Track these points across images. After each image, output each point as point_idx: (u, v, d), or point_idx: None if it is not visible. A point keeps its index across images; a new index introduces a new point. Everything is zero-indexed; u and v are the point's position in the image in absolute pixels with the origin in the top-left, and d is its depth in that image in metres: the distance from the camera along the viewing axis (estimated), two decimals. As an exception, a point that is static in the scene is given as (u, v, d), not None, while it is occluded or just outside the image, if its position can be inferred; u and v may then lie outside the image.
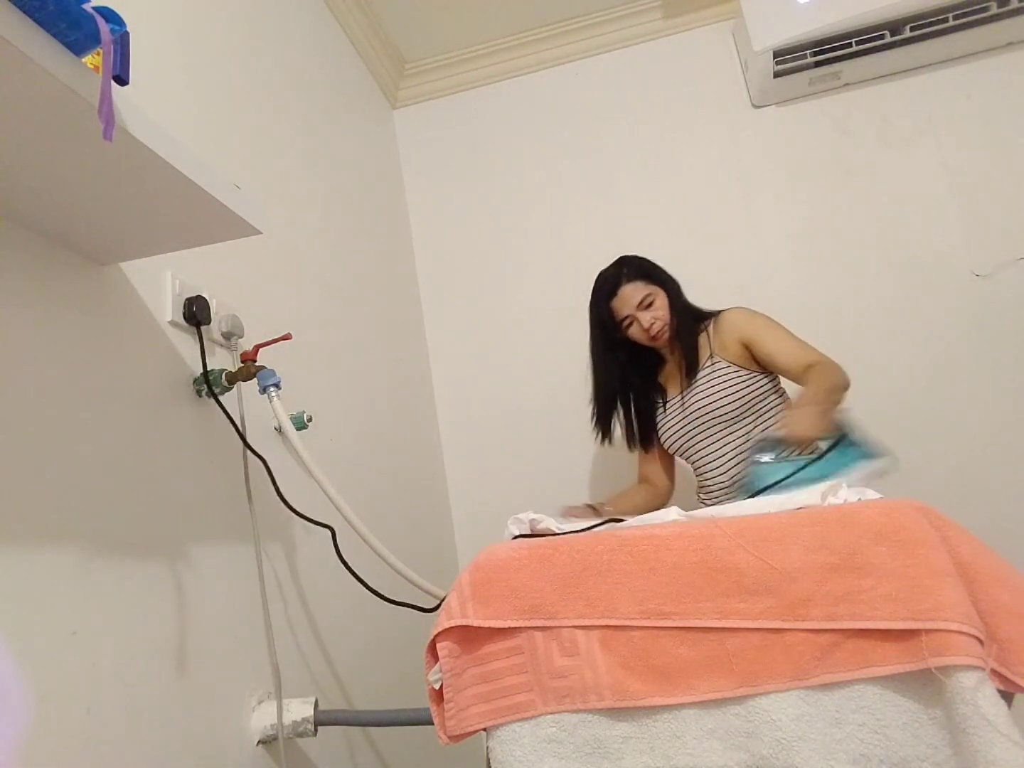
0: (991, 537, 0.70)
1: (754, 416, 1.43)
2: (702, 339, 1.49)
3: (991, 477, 1.82)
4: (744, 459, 1.39)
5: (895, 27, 1.91)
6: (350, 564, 1.06)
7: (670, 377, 1.56)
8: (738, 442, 1.43)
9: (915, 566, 0.64)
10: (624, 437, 1.61)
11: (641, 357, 1.56)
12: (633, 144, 2.23)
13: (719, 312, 1.51)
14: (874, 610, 0.64)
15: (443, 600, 1.02)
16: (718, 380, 1.43)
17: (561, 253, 2.21)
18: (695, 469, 1.53)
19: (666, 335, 1.48)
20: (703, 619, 0.68)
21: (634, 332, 1.49)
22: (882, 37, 1.92)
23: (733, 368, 1.43)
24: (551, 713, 0.70)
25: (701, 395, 1.45)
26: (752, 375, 1.43)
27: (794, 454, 1.13)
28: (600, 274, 1.55)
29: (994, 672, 0.60)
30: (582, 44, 2.32)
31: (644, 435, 1.59)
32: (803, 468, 1.07)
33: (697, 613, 0.68)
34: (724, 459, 1.44)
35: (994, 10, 1.86)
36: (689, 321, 1.49)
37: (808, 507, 0.79)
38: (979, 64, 2.01)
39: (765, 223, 2.08)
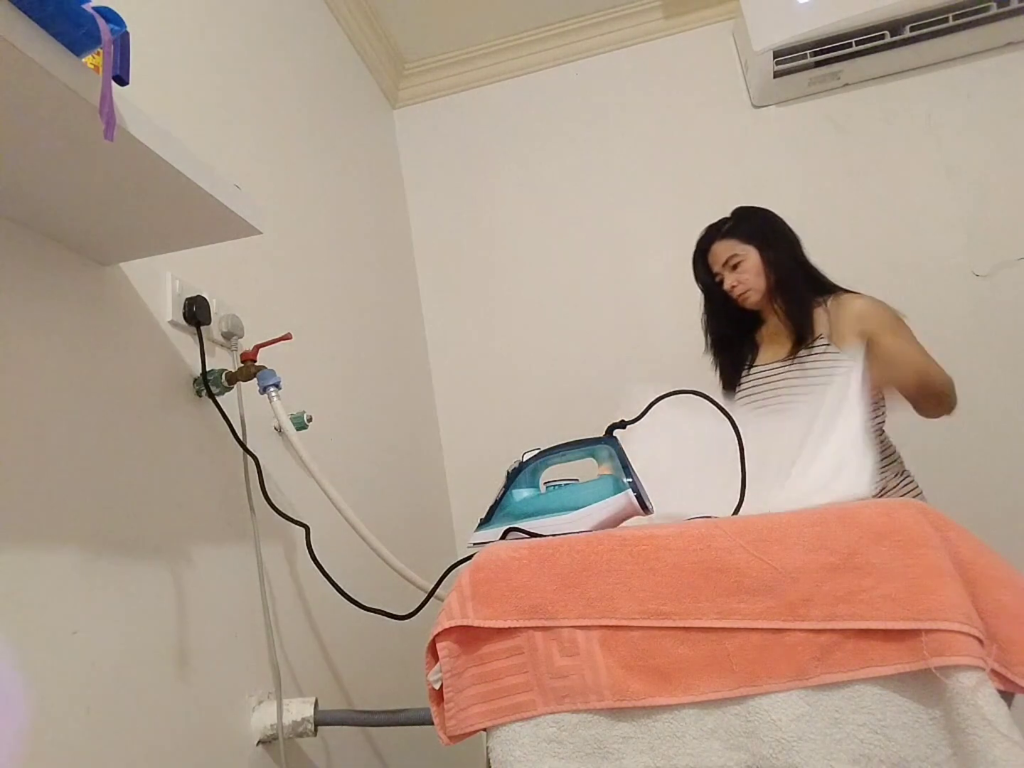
0: (991, 537, 0.70)
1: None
2: (819, 313, 1.38)
3: (991, 477, 1.82)
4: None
5: (895, 27, 1.91)
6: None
7: (769, 339, 1.48)
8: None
9: (915, 566, 0.64)
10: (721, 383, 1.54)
11: (744, 311, 1.48)
12: (633, 144, 2.23)
13: (842, 291, 1.41)
14: (874, 610, 0.64)
15: (418, 609, 1.02)
16: (819, 363, 1.34)
17: (560, 252, 2.21)
18: None
19: (751, 299, 1.42)
20: (703, 619, 0.68)
21: (726, 289, 1.45)
22: (882, 37, 1.93)
23: (841, 357, 1.32)
24: (551, 713, 0.70)
25: (795, 372, 1.36)
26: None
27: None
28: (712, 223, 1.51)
29: (994, 672, 0.60)
30: (582, 44, 2.32)
31: (733, 381, 1.50)
32: (554, 493, 0.89)
33: (697, 613, 0.68)
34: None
35: (994, 10, 1.86)
36: (795, 287, 1.39)
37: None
38: (979, 64, 2.01)
39: (765, 223, 2.08)
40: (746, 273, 1.40)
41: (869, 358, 1.28)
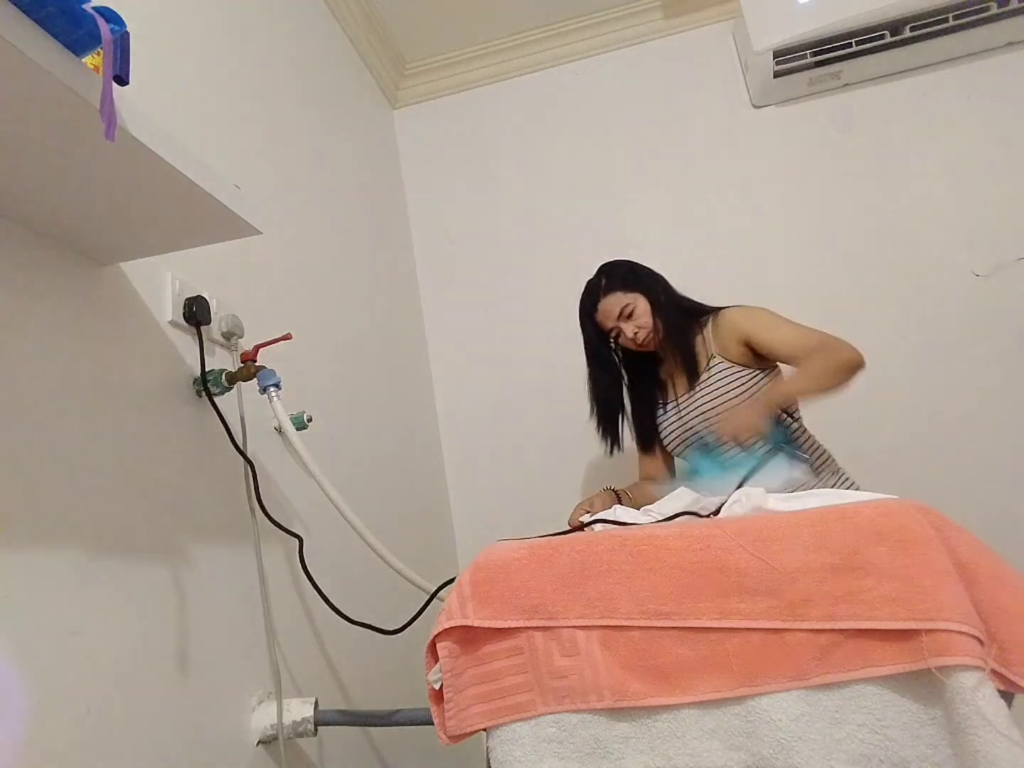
0: (991, 537, 0.70)
1: None
2: (699, 340, 1.47)
3: (991, 477, 1.82)
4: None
5: (895, 27, 1.91)
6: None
7: (672, 375, 1.55)
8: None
9: (915, 566, 0.64)
10: (634, 440, 1.61)
11: (641, 357, 1.55)
12: (633, 144, 2.23)
13: (718, 309, 1.49)
14: (874, 610, 0.64)
15: (406, 625, 1.03)
16: (718, 382, 1.42)
17: (560, 253, 2.21)
18: None
19: (653, 342, 1.48)
20: (703, 619, 0.68)
21: (623, 342, 1.50)
22: (882, 37, 1.92)
23: (735, 368, 1.42)
24: (551, 713, 0.70)
25: (701, 398, 1.44)
26: (753, 374, 1.41)
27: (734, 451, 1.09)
28: (585, 287, 1.56)
29: (994, 672, 0.60)
30: (582, 44, 2.32)
31: (646, 436, 1.59)
32: (733, 466, 1.04)
33: (697, 613, 0.68)
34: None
35: (994, 10, 1.86)
36: (678, 321, 1.48)
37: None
38: (979, 64, 2.01)
39: (765, 223, 2.08)
40: (642, 317, 1.46)
41: (755, 356, 1.42)
